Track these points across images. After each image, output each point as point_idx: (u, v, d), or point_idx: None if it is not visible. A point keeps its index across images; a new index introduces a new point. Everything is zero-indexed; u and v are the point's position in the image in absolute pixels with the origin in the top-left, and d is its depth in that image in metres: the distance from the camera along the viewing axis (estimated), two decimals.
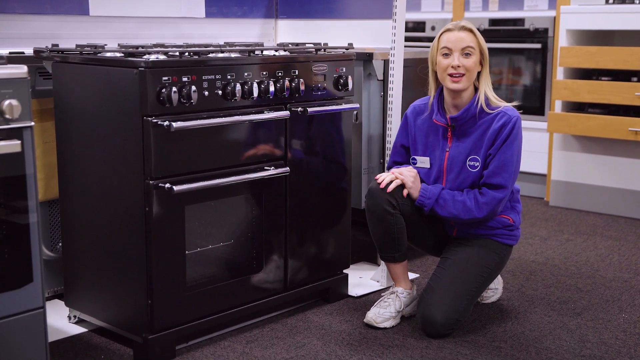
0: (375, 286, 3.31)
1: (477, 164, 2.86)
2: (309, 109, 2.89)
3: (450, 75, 2.81)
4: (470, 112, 2.85)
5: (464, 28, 2.83)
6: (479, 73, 2.87)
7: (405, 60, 3.25)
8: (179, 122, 2.47)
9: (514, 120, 2.83)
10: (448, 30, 2.85)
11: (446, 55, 2.83)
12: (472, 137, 2.87)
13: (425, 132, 2.96)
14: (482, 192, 2.84)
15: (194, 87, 2.51)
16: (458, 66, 2.80)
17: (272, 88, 2.76)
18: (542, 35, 5.07)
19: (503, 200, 2.84)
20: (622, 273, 3.57)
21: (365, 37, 3.61)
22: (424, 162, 2.96)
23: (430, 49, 2.90)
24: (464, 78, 2.81)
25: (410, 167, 2.95)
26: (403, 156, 3.04)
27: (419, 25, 5.76)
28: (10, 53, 2.87)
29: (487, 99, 2.86)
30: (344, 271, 3.22)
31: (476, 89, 2.89)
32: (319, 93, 2.97)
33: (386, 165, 3.20)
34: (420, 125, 2.97)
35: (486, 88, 2.86)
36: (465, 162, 2.88)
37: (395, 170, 2.91)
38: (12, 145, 2.05)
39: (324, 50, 3.07)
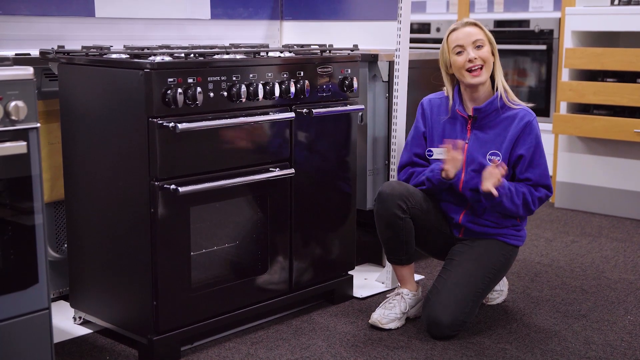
0: (380, 287, 3.31)
1: (498, 158, 2.86)
2: (314, 111, 2.89)
3: (469, 70, 2.82)
4: (494, 105, 2.86)
5: (469, 23, 2.86)
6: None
7: (410, 62, 3.25)
8: (184, 124, 2.48)
9: (535, 120, 2.89)
10: (454, 29, 2.87)
11: (460, 53, 2.84)
12: (493, 131, 2.88)
13: (443, 124, 2.96)
14: (535, 188, 2.87)
15: (199, 89, 2.52)
16: (475, 58, 2.81)
17: (277, 89, 2.77)
18: (547, 37, 5.07)
19: (548, 199, 2.92)
20: (628, 275, 3.56)
21: (370, 38, 3.61)
22: (441, 153, 2.94)
23: (441, 53, 2.91)
24: (483, 70, 2.83)
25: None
26: (423, 147, 3.00)
27: (424, 27, 5.76)
28: (16, 54, 2.87)
29: (506, 93, 2.89)
30: (349, 272, 3.22)
31: (492, 81, 2.90)
32: (324, 94, 2.97)
33: (397, 161, 3.13)
34: (437, 117, 2.97)
35: (502, 81, 2.88)
36: (485, 156, 2.88)
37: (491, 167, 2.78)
38: (18, 147, 2.06)
39: (329, 52, 3.07)
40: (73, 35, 3.16)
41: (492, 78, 2.91)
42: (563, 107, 4.84)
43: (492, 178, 2.74)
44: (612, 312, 3.09)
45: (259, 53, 2.82)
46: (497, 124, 2.88)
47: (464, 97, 2.93)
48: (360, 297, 3.21)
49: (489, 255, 2.90)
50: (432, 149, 2.98)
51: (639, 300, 3.23)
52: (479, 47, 2.83)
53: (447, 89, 2.95)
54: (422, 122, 3.01)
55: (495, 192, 2.73)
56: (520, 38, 5.20)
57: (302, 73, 2.87)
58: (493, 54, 2.89)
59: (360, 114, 3.30)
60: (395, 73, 3.22)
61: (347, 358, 2.65)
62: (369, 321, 2.92)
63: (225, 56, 2.72)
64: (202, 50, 2.73)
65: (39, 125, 2.11)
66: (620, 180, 4.66)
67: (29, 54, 2.90)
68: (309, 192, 2.98)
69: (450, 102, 2.94)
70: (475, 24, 2.87)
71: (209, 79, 2.57)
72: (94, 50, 2.75)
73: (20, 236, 2.11)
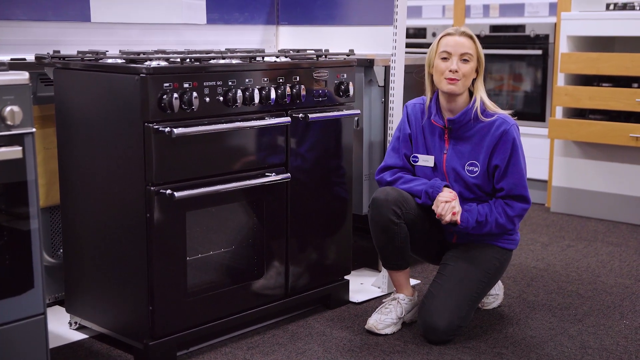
0: (377, 292, 3.31)
1: (476, 169, 2.87)
2: (310, 115, 2.89)
3: (447, 78, 2.81)
4: (468, 116, 2.86)
5: (464, 34, 2.84)
6: (474, 80, 2.88)
7: (406, 67, 3.25)
8: (180, 129, 2.48)
9: (514, 127, 2.85)
10: (448, 34, 2.85)
11: (445, 59, 2.83)
12: (470, 142, 2.88)
13: (424, 132, 2.96)
14: (509, 204, 2.86)
15: (195, 94, 2.52)
16: (456, 71, 2.80)
17: (273, 94, 2.77)
18: (542, 42, 5.07)
19: (528, 210, 2.90)
20: (623, 279, 3.57)
21: (366, 43, 3.62)
22: (427, 160, 2.95)
23: (429, 52, 2.90)
24: (460, 82, 2.81)
25: (449, 190, 2.85)
26: (410, 149, 3.00)
27: (419, 32, 5.76)
28: (11, 59, 2.87)
29: (483, 104, 2.87)
30: (345, 277, 3.22)
31: (471, 94, 2.89)
32: (320, 99, 2.97)
33: (382, 161, 3.12)
34: (419, 124, 2.97)
35: (482, 94, 2.87)
36: (464, 167, 2.88)
37: (442, 198, 2.80)
38: (13, 152, 2.06)
39: (325, 57, 3.08)
40: (69, 40, 3.16)
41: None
42: (559, 111, 4.85)
43: (448, 213, 2.77)
44: (608, 317, 3.10)
45: (254, 58, 2.83)
46: (474, 134, 2.87)
47: (442, 105, 2.91)
48: (357, 301, 3.21)
49: (483, 259, 2.91)
50: (417, 155, 2.97)
51: (634, 305, 3.23)
52: (465, 60, 2.82)
53: (427, 91, 2.95)
54: (407, 125, 3.00)
55: (457, 219, 2.79)
56: (515, 43, 5.21)
57: (298, 78, 2.88)
58: (477, 71, 2.86)
59: (356, 118, 3.31)
60: (391, 78, 3.22)
61: None
62: (365, 326, 2.91)
63: (221, 61, 2.72)
64: (198, 55, 2.73)
65: (34, 130, 2.11)
66: (616, 184, 4.67)
67: (24, 59, 2.90)
68: (305, 197, 2.98)
69: (428, 103, 2.93)
70: (470, 37, 2.84)
71: (204, 83, 2.58)
72: (90, 55, 2.75)
73: (15, 241, 2.10)
